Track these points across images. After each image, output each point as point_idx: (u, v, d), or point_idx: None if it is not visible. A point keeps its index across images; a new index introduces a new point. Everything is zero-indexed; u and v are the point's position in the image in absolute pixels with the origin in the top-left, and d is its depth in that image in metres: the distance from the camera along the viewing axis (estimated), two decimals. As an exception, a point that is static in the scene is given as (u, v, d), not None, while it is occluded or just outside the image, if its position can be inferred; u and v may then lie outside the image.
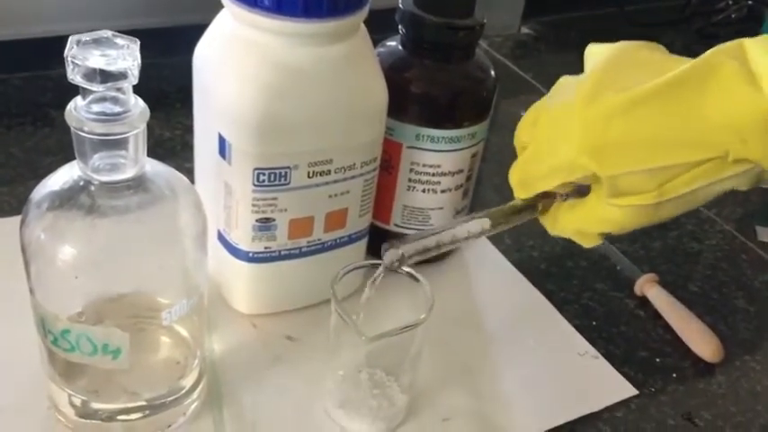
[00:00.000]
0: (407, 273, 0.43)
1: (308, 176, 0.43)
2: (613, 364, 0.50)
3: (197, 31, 0.45)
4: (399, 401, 0.44)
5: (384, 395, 0.44)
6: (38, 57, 0.68)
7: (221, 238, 0.47)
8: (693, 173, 0.37)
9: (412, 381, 0.44)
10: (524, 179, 0.43)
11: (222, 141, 0.43)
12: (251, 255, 0.46)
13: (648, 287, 0.56)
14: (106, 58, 0.31)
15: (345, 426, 0.43)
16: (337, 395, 0.44)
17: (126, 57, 0.31)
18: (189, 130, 0.63)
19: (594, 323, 0.54)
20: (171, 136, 0.65)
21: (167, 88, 0.70)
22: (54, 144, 0.62)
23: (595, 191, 0.40)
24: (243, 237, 0.45)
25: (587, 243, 0.44)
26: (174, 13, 0.74)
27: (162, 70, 0.69)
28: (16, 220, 0.36)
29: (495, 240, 0.59)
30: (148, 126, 0.35)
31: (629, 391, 0.48)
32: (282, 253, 0.46)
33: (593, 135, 0.38)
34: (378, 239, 0.52)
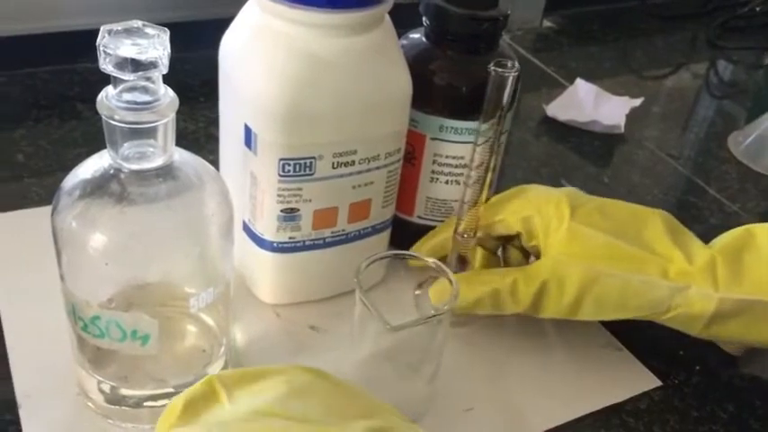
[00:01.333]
0: (433, 263, 0.43)
1: (333, 167, 0.44)
2: (636, 357, 0.50)
3: (220, 24, 0.46)
4: (422, 392, 0.44)
5: (407, 385, 0.44)
6: (65, 51, 0.69)
7: (246, 228, 0.47)
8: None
9: (435, 372, 0.44)
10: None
11: (248, 132, 0.43)
12: (275, 245, 0.46)
13: (672, 280, 0.56)
14: (137, 47, 0.32)
15: None
16: (361, 384, 0.44)
17: (156, 46, 0.32)
18: (212, 122, 0.64)
19: (617, 315, 0.53)
20: (195, 128, 0.66)
21: (191, 81, 0.71)
22: (80, 136, 0.63)
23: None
24: (268, 227, 0.46)
25: None
26: (197, 7, 0.75)
27: (185, 64, 0.69)
28: (44, 210, 0.37)
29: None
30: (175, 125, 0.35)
31: (652, 382, 0.48)
32: (306, 243, 0.47)
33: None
34: (400, 231, 0.52)
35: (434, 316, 0.41)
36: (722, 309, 0.43)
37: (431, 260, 0.43)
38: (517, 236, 0.48)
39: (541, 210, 0.46)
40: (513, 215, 0.47)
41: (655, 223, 0.45)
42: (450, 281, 0.42)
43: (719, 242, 0.46)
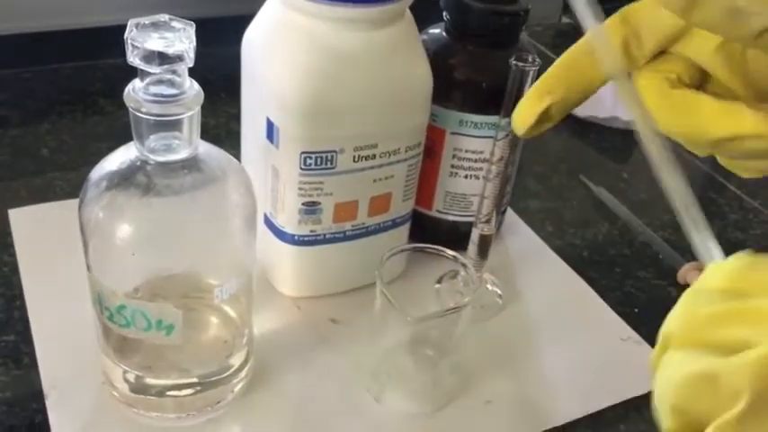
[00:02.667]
0: (452, 256, 0.43)
1: (354, 160, 0.44)
2: (656, 351, 0.50)
3: (241, 21, 0.46)
4: (444, 383, 0.44)
5: (430, 376, 0.44)
6: (88, 47, 0.70)
7: (267, 221, 0.48)
8: None
9: (456, 363, 0.44)
10: None
11: (270, 125, 0.44)
12: (296, 238, 0.47)
13: (692, 275, 0.56)
14: (164, 40, 0.32)
15: (389, 406, 0.44)
16: (381, 376, 0.45)
17: (183, 39, 0.32)
18: (233, 117, 0.65)
19: (637, 310, 0.54)
20: (216, 124, 0.66)
21: (212, 77, 0.71)
22: (103, 131, 0.63)
23: None
24: (289, 220, 0.46)
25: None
26: (219, 3, 0.76)
27: (206, 60, 0.69)
28: (68, 203, 0.37)
29: (537, 227, 0.59)
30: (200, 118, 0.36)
31: (672, 376, 0.48)
32: (327, 236, 0.47)
33: None
34: (419, 225, 0.53)
35: (455, 309, 0.41)
36: None
37: (450, 252, 0.43)
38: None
39: None
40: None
41: None
42: (470, 275, 0.42)
43: None
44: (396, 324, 0.42)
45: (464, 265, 0.43)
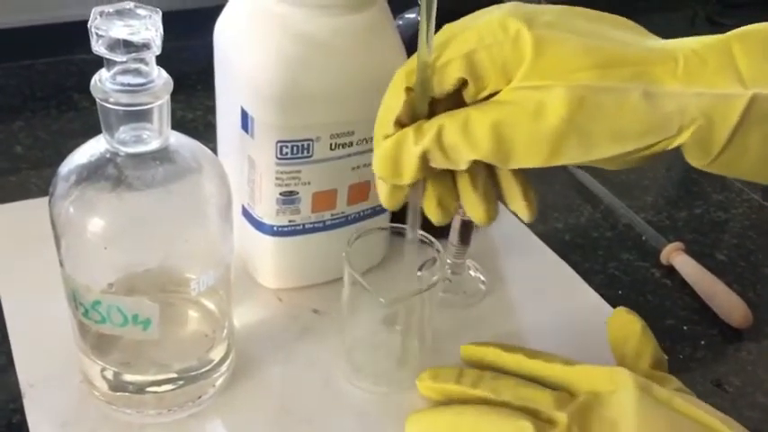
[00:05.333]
0: (420, 235, 0.43)
1: (331, 148, 0.44)
2: (641, 333, 0.50)
3: (216, 12, 0.45)
4: (416, 361, 0.44)
5: (400, 355, 0.44)
6: (61, 42, 0.69)
7: (246, 213, 0.47)
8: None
9: (429, 340, 0.44)
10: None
11: (245, 115, 0.43)
12: (275, 228, 0.46)
13: (675, 256, 0.56)
14: (129, 28, 0.31)
15: (366, 387, 0.44)
16: (356, 358, 0.44)
17: (148, 26, 0.32)
18: (210, 111, 0.64)
19: (621, 292, 0.53)
20: (193, 117, 0.66)
21: (188, 70, 0.70)
22: (79, 127, 0.63)
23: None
24: (267, 211, 0.45)
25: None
26: (192, -5, 0.75)
27: (182, 53, 0.69)
28: (43, 201, 0.36)
29: (519, 213, 0.59)
30: (170, 108, 0.35)
31: (657, 357, 0.48)
32: (306, 226, 0.46)
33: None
34: (400, 213, 0.52)
35: (427, 288, 0.41)
36: (752, 112, 0.31)
37: (420, 233, 0.43)
38: (458, 92, 0.34)
39: (483, 38, 0.33)
40: (451, 59, 0.33)
41: (634, 26, 0.35)
42: (438, 251, 0.42)
43: (730, 32, 0.33)
44: (366, 306, 0.42)
45: (431, 243, 0.42)
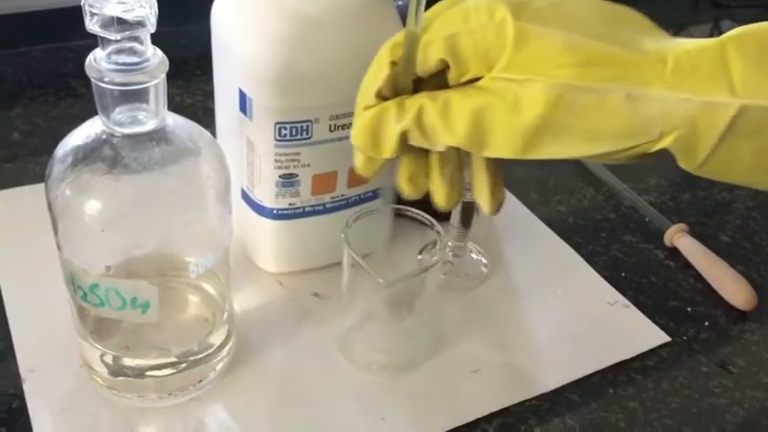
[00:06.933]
0: (419, 216, 0.43)
1: (330, 130, 0.43)
2: (644, 314, 0.50)
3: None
4: (416, 340, 0.44)
5: (399, 334, 0.44)
6: (58, 28, 0.68)
7: (245, 196, 0.47)
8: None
9: (427, 320, 0.44)
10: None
11: (243, 97, 0.43)
12: (275, 212, 0.46)
13: (678, 237, 0.55)
14: (123, 5, 0.31)
15: (367, 370, 0.44)
16: (356, 341, 0.44)
17: (143, 4, 0.31)
18: (209, 96, 0.64)
19: (624, 274, 0.53)
20: (192, 102, 0.65)
21: (186, 55, 0.70)
22: (77, 114, 0.62)
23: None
24: (266, 193, 0.45)
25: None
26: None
27: (180, 38, 0.69)
28: (41, 187, 0.36)
29: (522, 195, 0.59)
30: (169, 94, 0.35)
31: (661, 338, 0.48)
32: (307, 209, 0.46)
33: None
34: (400, 196, 0.51)
35: (426, 268, 0.41)
36: (741, 122, 0.30)
37: (416, 211, 0.43)
38: (442, 72, 0.33)
39: (469, 21, 0.32)
40: (432, 40, 0.32)
41: (633, 19, 0.33)
42: (439, 233, 0.42)
43: (728, 34, 0.31)
44: (366, 287, 0.41)
45: (431, 225, 0.42)
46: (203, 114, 0.63)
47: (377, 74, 0.34)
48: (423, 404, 0.42)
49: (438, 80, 0.34)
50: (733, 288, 0.51)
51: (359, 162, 0.36)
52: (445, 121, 0.32)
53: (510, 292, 0.51)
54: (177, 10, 0.50)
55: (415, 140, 0.34)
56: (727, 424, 0.44)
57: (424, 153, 0.36)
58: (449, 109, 0.32)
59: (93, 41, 0.33)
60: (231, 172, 0.39)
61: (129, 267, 0.37)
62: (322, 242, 0.48)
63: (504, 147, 0.32)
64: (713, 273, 0.53)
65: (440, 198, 0.37)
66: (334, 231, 0.47)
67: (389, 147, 0.34)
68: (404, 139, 0.34)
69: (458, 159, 0.36)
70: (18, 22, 0.69)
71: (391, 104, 0.34)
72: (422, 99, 0.33)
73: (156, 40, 0.33)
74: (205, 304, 0.43)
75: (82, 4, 0.31)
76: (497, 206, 0.37)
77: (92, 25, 0.31)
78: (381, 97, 0.34)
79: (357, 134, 0.35)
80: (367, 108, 0.34)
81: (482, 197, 0.37)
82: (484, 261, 0.52)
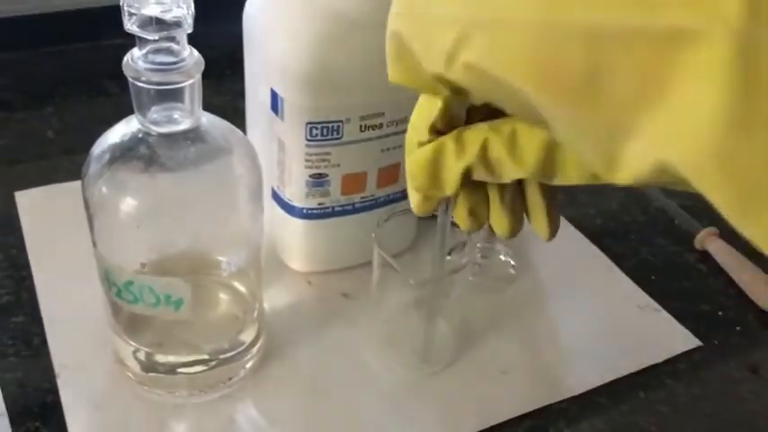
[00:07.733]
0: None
1: (361, 130, 0.43)
2: (675, 318, 0.49)
3: (244, -1, 0.45)
4: (444, 342, 0.44)
5: (427, 336, 0.44)
6: (92, 28, 0.69)
7: (275, 195, 0.47)
8: None
9: (457, 322, 0.44)
10: None
11: (274, 96, 0.43)
12: (305, 211, 0.46)
13: (709, 241, 0.55)
14: (161, 6, 0.31)
15: (396, 370, 0.44)
16: (385, 342, 0.45)
17: (180, 4, 0.32)
18: (239, 95, 0.64)
19: (654, 277, 0.53)
20: (221, 102, 0.65)
21: (216, 55, 0.70)
22: (109, 113, 0.62)
23: None
24: (296, 193, 0.45)
25: None
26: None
27: (211, 39, 0.69)
28: (76, 185, 0.37)
29: (549, 197, 0.58)
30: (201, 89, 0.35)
31: (692, 342, 0.47)
32: (336, 209, 0.46)
33: None
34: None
35: (456, 270, 0.41)
36: None
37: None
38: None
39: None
40: None
41: None
42: (471, 238, 0.42)
43: None
44: (395, 288, 0.41)
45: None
46: (233, 114, 0.63)
47: (429, 106, 0.31)
48: (451, 405, 0.42)
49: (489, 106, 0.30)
50: (765, 292, 0.51)
51: (415, 201, 0.33)
52: (514, 155, 0.29)
53: (538, 294, 0.50)
54: (207, 9, 0.51)
55: (480, 177, 0.31)
56: (760, 430, 0.43)
57: (483, 184, 0.33)
58: (516, 142, 0.29)
59: (125, 41, 0.33)
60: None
61: (163, 265, 0.38)
62: (351, 242, 0.48)
63: (581, 172, 0.29)
64: (744, 276, 0.52)
65: (503, 229, 0.34)
66: (364, 231, 0.48)
67: (451, 184, 0.31)
68: (467, 176, 0.31)
69: (516, 184, 0.33)
70: (53, 21, 0.70)
71: (449, 140, 0.31)
72: (484, 132, 0.30)
73: (189, 35, 0.34)
74: (236, 302, 0.43)
75: (121, 4, 0.31)
76: (554, 231, 0.34)
77: (130, 25, 0.32)
78: (436, 131, 0.31)
79: (415, 174, 0.32)
80: (421, 144, 0.31)
81: (538, 223, 0.34)
82: (512, 262, 0.52)
